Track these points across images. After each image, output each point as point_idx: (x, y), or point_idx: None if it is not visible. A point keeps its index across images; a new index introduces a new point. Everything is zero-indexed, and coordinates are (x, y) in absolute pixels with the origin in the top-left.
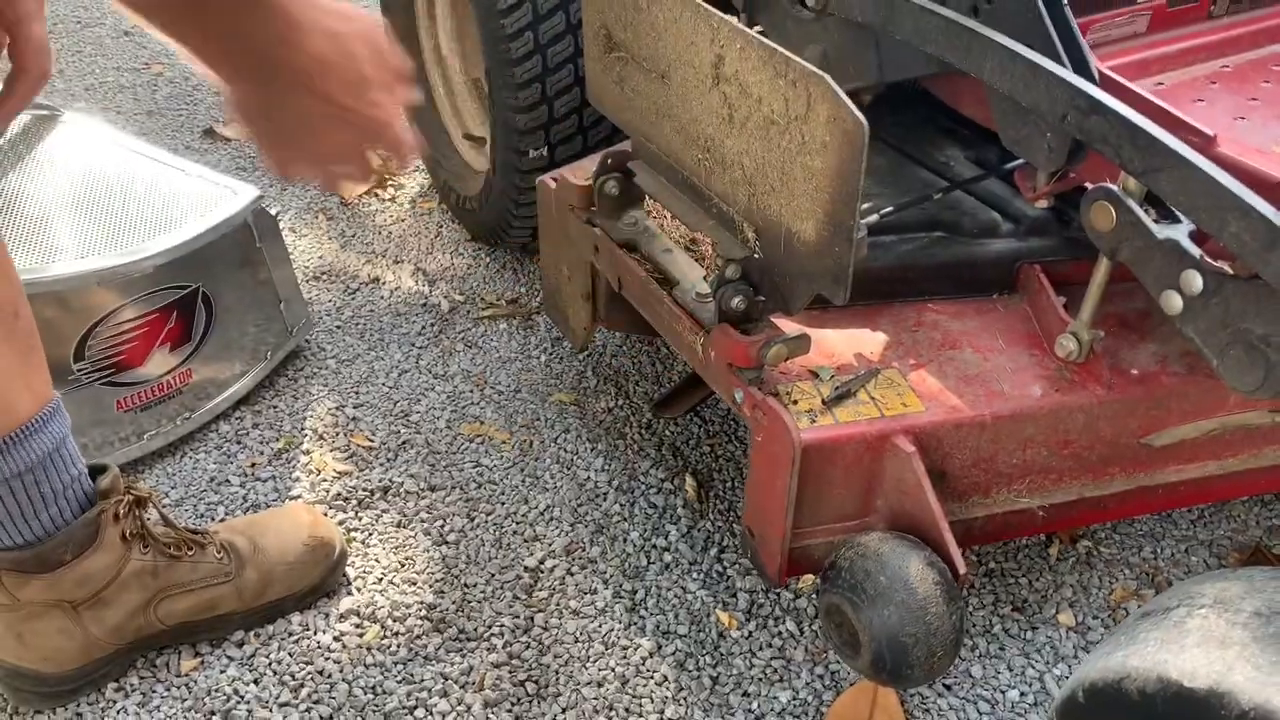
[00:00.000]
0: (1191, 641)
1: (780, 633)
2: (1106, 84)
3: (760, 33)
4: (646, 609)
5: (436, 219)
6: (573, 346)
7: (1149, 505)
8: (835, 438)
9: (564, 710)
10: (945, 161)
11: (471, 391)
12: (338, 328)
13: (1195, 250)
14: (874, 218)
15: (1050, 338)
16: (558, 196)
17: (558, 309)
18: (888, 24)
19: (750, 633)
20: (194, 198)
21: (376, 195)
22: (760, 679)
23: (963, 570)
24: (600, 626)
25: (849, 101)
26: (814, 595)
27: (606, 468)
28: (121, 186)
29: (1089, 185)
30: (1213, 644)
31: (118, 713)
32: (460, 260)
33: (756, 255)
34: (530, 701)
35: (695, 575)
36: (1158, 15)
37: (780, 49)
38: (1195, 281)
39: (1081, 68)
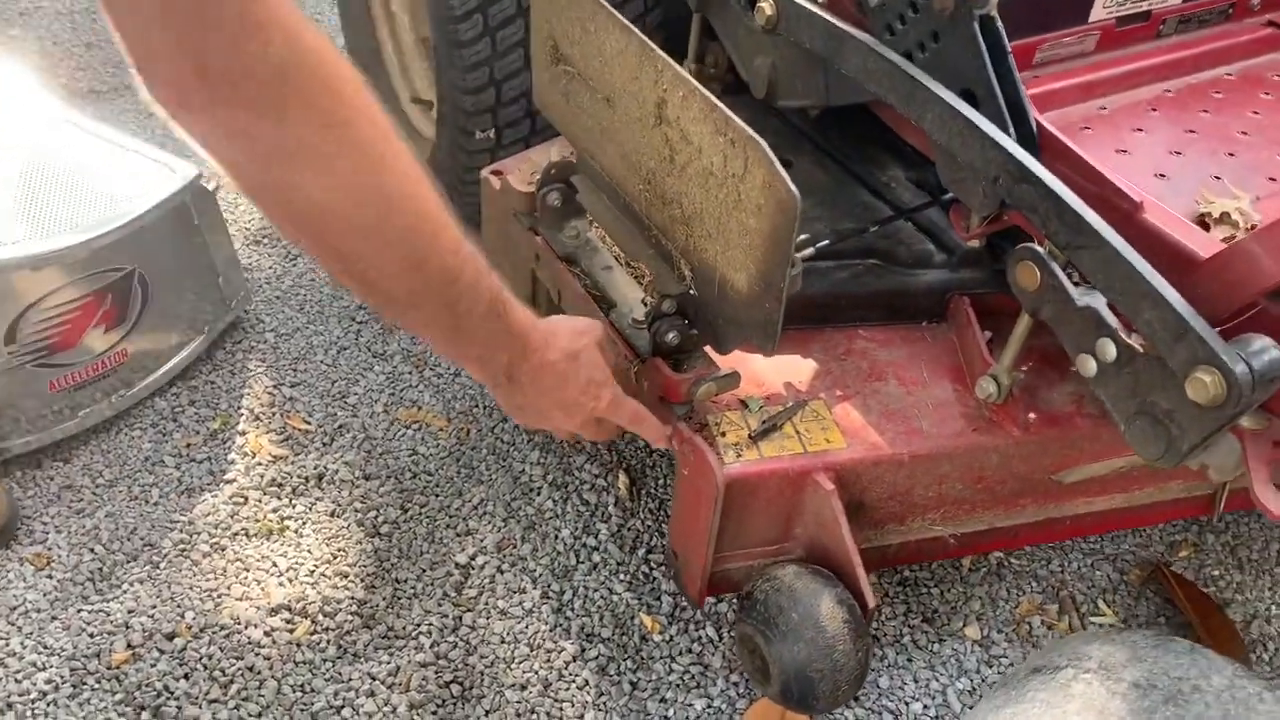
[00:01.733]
0: (1073, 709)
1: (700, 638)
2: (1044, 138)
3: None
4: (573, 610)
5: None
6: None
7: (1057, 534)
8: (758, 473)
9: (487, 713)
10: (887, 182)
11: (411, 373)
12: (277, 298)
13: (1113, 320)
14: (810, 251)
15: (973, 373)
16: (500, 198)
17: None
18: (835, 57)
19: (671, 637)
20: (131, 177)
21: None
22: (678, 685)
23: (871, 604)
24: (527, 628)
25: (783, 172)
26: (734, 600)
27: (542, 461)
28: (56, 166)
29: (1020, 225)
30: (1092, 713)
31: (48, 704)
32: None
33: (692, 292)
34: (455, 704)
35: (622, 576)
36: (1106, 35)
37: (720, 105)
38: (1109, 350)
39: (1019, 116)
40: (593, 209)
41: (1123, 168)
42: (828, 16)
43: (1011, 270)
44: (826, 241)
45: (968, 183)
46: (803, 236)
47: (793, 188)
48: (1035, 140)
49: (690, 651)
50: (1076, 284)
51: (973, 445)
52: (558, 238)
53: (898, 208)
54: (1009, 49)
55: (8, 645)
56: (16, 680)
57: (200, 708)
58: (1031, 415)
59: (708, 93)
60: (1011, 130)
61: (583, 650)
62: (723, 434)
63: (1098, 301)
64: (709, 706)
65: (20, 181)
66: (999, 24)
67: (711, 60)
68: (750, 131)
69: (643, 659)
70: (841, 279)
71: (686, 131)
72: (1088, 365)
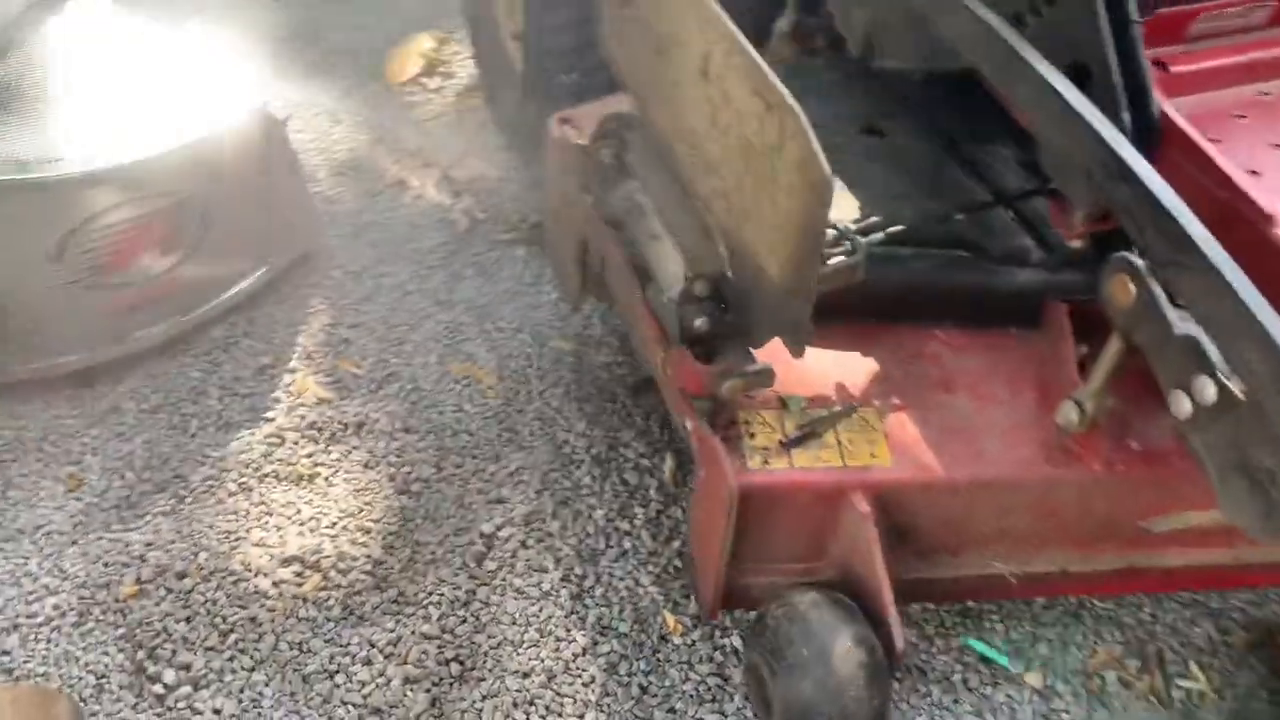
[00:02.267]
0: None
1: (724, 646)
2: (1169, 129)
3: None
4: (592, 598)
5: (479, 118)
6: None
7: (1141, 586)
8: (782, 485)
9: (483, 698)
10: (992, 164)
11: (471, 325)
12: (352, 234)
13: (1216, 356)
14: (879, 236)
15: (1059, 394)
16: (558, 150)
17: (554, 257)
18: (930, 12)
19: (694, 641)
20: (198, 100)
21: (423, 84)
22: (691, 696)
23: (899, 647)
24: (541, 611)
25: (819, 150)
26: None
27: (588, 433)
28: (126, 81)
29: None
30: None
31: (52, 630)
32: (492, 171)
33: (728, 274)
34: (451, 683)
35: (651, 568)
36: None
37: (763, 65)
38: (1208, 391)
39: (1138, 100)
40: (640, 171)
41: (1275, 168)
42: None
43: (1104, 282)
44: (900, 227)
45: (1068, 173)
46: (873, 218)
47: (827, 168)
48: (1155, 130)
49: (711, 660)
50: (1180, 306)
51: (1044, 477)
52: (607, 199)
53: (999, 193)
54: (1135, 18)
55: (25, 565)
56: (27, 602)
57: (195, 654)
58: (1120, 450)
59: (751, 49)
60: (1126, 116)
61: (595, 643)
62: (752, 435)
63: (1200, 331)
64: None
65: (84, 94)
66: None
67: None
68: (788, 98)
69: (658, 661)
70: (921, 270)
71: (728, 91)
72: (1181, 405)
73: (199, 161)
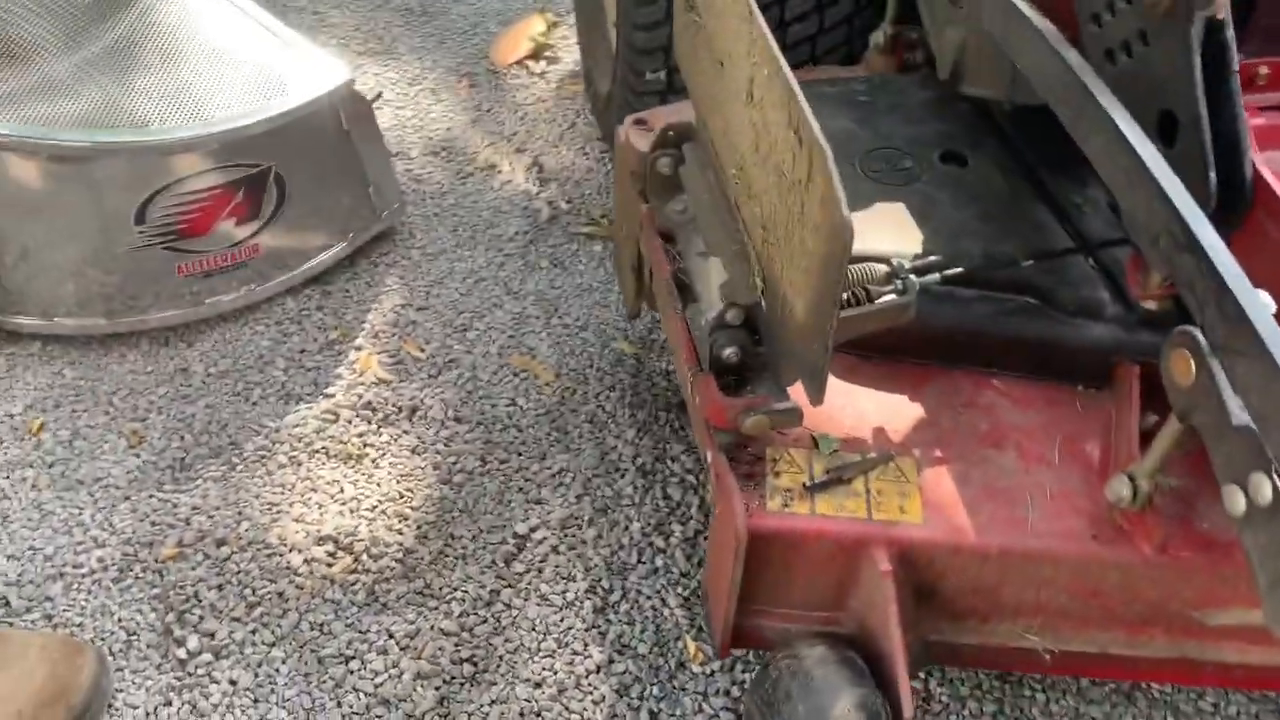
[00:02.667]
0: None
1: (743, 681)
2: (1261, 190)
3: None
4: (615, 614)
5: (577, 107)
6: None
7: (1193, 678)
8: (797, 531)
9: (491, 703)
10: (1079, 205)
11: (537, 318)
12: (435, 215)
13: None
14: (935, 277)
15: (1117, 463)
16: (622, 153)
17: (616, 261)
18: (1008, 44)
19: (712, 672)
20: (284, 72)
21: (528, 66)
22: None
23: (908, 716)
24: (561, 621)
25: (841, 192)
26: None
27: (636, 441)
28: (212, 50)
29: None
30: None
31: (93, 583)
32: (583, 161)
33: (762, 305)
34: (462, 684)
35: (680, 590)
36: None
37: (798, 94)
38: (1264, 490)
39: (1230, 156)
40: (690, 185)
41: None
42: None
43: (1164, 356)
44: (959, 269)
45: (1138, 233)
46: (933, 256)
47: (847, 214)
48: (1246, 190)
49: (727, 694)
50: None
51: (1087, 555)
52: (663, 209)
53: (1080, 239)
54: (1234, 66)
55: (79, 515)
56: (75, 552)
57: (220, 623)
58: (1178, 533)
59: (790, 75)
60: (1212, 173)
61: (611, 661)
62: (777, 474)
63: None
64: None
65: (169, 61)
66: (1228, 32)
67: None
68: (818, 134)
69: (672, 689)
70: (982, 314)
71: (767, 118)
72: (1235, 501)
73: (282, 135)
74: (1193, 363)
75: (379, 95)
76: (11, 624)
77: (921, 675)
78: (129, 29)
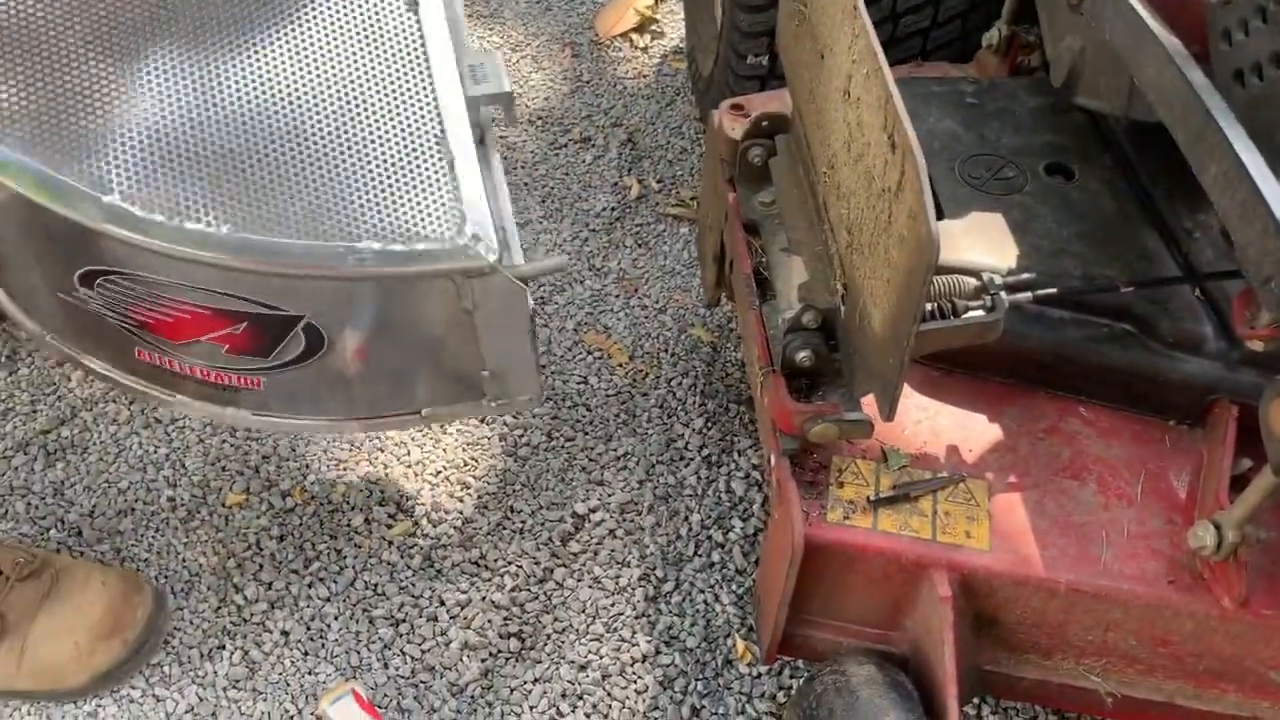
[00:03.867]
0: None
1: (789, 687)
2: None
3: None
4: (667, 605)
5: (677, 84)
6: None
7: None
8: (855, 545)
9: (534, 681)
10: (1191, 231)
11: (616, 297)
12: (526, 184)
13: None
14: (1027, 296)
15: (1204, 508)
16: (712, 139)
17: (699, 247)
18: (1127, 59)
19: (760, 674)
20: (388, 199)
21: (633, 39)
22: None
23: None
24: (613, 606)
25: (930, 205)
26: None
27: (704, 430)
28: (324, 122)
29: None
30: None
31: (161, 521)
32: (678, 141)
33: (840, 310)
34: (508, 660)
35: (734, 588)
36: None
37: (897, 97)
38: None
39: None
40: (779, 178)
41: None
42: (1137, 3)
43: (1265, 401)
44: (1054, 290)
45: (1249, 270)
46: (1027, 274)
47: (935, 230)
48: None
49: (773, 699)
50: None
51: (1160, 601)
52: (750, 200)
53: (1189, 268)
54: None
55: (154, 454)
56: (149, 488)
57: (278, 573)
58: (1264, 589)
59: (890, 77)
60: None
61: (658, 651)
62: (841, 485)
63: None
64: None
65: (248, 132)
66: None
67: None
68: (913, 142)
69: (716, 687)
70: (1075, 338)
71: (863, 118)
72: None
73: (341, 290)
74: None
75: (535, 282)
76: (82, 554)
77: (975, 700)
78: (214, 51)
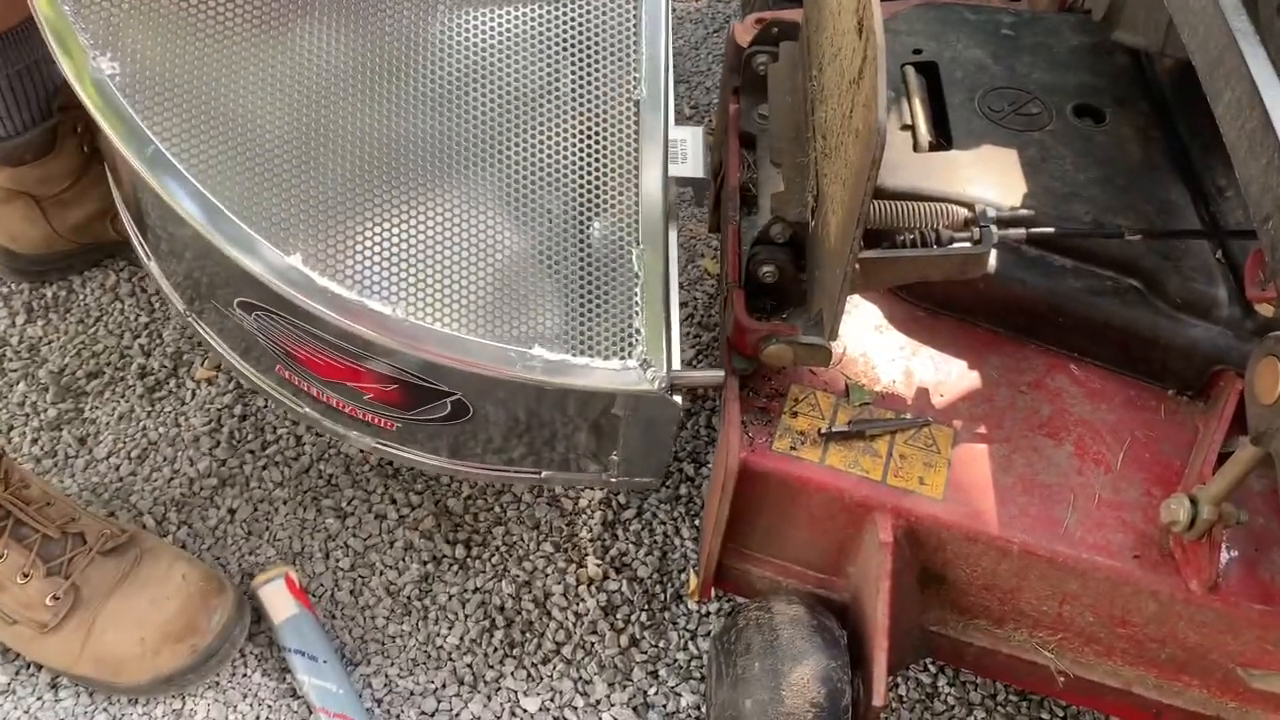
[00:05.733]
0: None
1: None
2: None
3: None
4: (624, 531)
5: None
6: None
7: None
8: (796, 477)
9: (473, 591)
10: (1224, 188)
11: None
12: None
13: None
14: (1020, 233)
15: (1187, 483)
16: (729, 48)
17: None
18: None
19: (708, 613)
20: (581, 312)
21: None
22: (678, 668)
23: (878, 703)
24: (568, 526)
25: (883, 95)
26: None
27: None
28: (520, 220)
29: None
30: None
31: (126, 390)
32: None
33: (811, 223)
34: (450, 566)
35: (697, 524)
36: None
37: None
38: None
39: None
40: (774, 85)
41: None
42: None
43: (1252, 363)
44: (1050, 230)
45: (1258, 217)
46: (1024, 211)
47: (882, 118)
48: None
49: None
50: None
51: (1121, 576)
52: (751, 112)
53: (1212, 225)
54: None
55: (134, 321)
56: (122, 354)
57: (234, 452)
58: (1237, 576)
59: None
60: None
61: (605, 577)
62: (794, 415)
63: None
64: (695, 707)
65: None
66: None
67: None
68: (878, 21)
69: (661, 620)
70: (1074, 288)
71: (842, 5)
72: None
73: (509, 391)
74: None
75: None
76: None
77: (932, 669)
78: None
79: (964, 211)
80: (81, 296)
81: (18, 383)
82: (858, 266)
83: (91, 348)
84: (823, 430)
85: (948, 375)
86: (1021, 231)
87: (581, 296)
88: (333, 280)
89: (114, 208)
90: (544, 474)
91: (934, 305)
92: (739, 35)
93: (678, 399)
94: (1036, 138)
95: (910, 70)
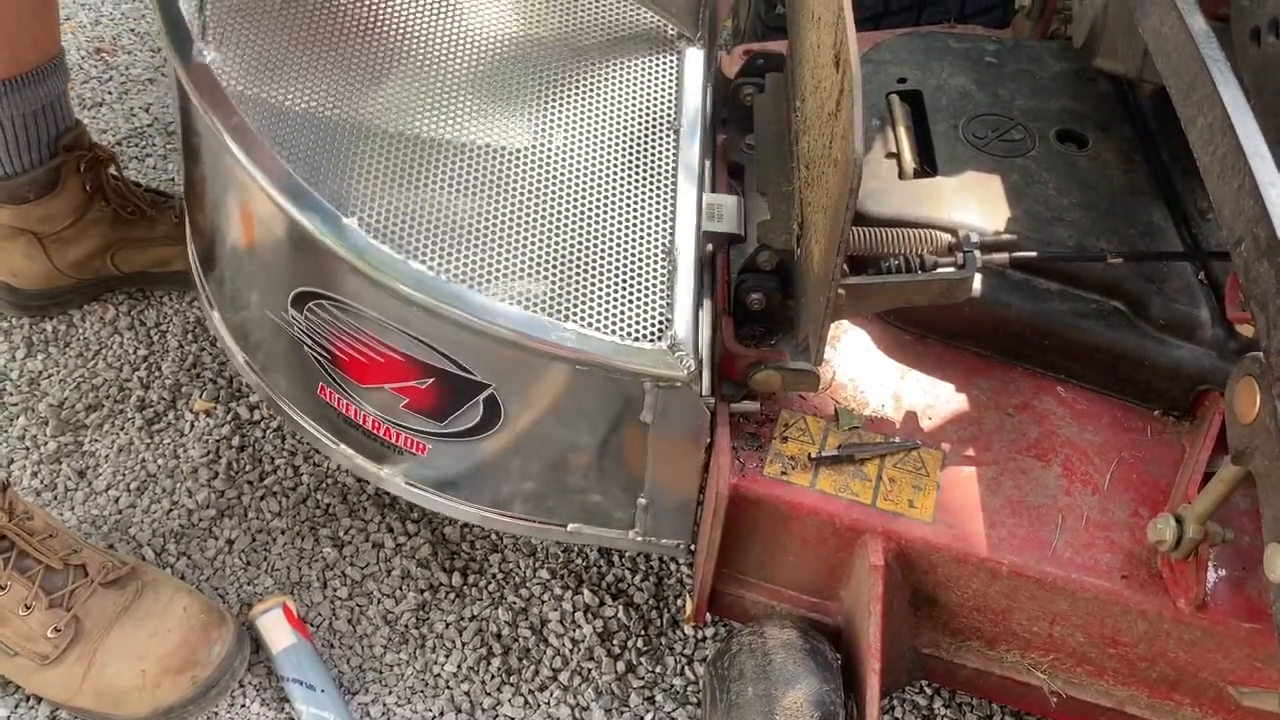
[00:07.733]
0: None
1: None
2: None
3: None
4: (620, 558)
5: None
6: None
7: None
8: (787, 502)
9: (470, 619)
10: (1205, 211)
11: None
12: None
13: None
14: (1003, 257)
15: (1173, 502)
16: (716, 80)
17: None
18: (1135, 4)
19: (705, 638)
20: (616, 294)
21: None
22: (675, 693)
23: None
24: (564, 554)
25: (859, 126)
26: None
27: None
28: (565, 204)
29: None
30: None
31: (125, 423)
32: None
33: (797, 251)
34: (447, 594)
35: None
36: None
37: (848, 12)
38: None
39: None
40: (760, 115)
41: None
42: None
43: (1231, 383)
44: (1032, 254)
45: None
46: (1007, 236)
47: (859, 148)
48: None
49: None
50: None
51: (1110, 595)
52: (737, 141)
53: (1194, 247)
54: None
55: (133, 355)
56: (121, 387)
57: (232, 483)
58: (1225, 593)
59: None
60: None
61: (602, 603)
62: (784, 440)
63: None
64: None
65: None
66: None
67: None
68: (853, 55)
69: (658, 645)
70: (1056, 311)
71: (821, 39)
72: (1274, 564)
73: (521, 368)
74: (1258, 394)
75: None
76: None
77: (928, 691)
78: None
79: (948, 237)
80: (81, 330)
81: (18, 416)
82: (842, 292)
83: (91, 381)
84: (813, 455)
85: (936, 399)
86: (1005, 256)
87: (617, 284)
88: (384, 242)
89: (114, 245)
90: (569, 527)
91: (922, 330)
92: (726, 67)
93: (706, 410)
94: (1020, 163)
95: (895, 99)
